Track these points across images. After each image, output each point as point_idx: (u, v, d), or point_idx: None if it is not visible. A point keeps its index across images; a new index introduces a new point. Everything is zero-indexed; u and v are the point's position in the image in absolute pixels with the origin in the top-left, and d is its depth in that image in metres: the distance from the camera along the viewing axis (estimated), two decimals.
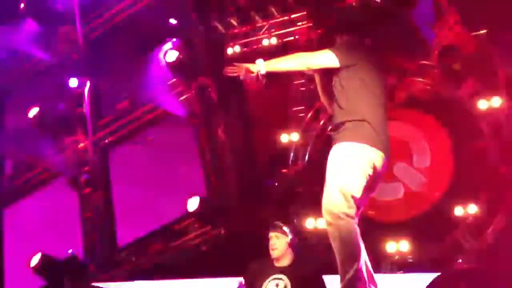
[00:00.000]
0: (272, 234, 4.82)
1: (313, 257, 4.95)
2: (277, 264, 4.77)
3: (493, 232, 6.47)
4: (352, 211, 3.61)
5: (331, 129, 3.83)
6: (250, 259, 4.94)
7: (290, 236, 4.80)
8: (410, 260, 6.63)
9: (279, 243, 4.75)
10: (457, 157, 6.79)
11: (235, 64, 3.86)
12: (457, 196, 6.69)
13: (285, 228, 4.82)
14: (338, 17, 3.70)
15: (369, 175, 3.68)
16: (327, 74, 3.93)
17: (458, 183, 6.73)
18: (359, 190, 3.64)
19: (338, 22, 3.71)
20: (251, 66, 3.81)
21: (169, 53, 8.84)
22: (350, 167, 3.61)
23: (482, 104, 6.74)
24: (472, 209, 6.56)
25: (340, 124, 3.73)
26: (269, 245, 4.79)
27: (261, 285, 4.68)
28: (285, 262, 4.76)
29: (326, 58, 3.77)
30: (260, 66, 3.82)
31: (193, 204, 7.84)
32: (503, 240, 6.41)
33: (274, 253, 4.77)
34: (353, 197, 3.61)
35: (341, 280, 3.61)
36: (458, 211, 6.64)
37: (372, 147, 3.68)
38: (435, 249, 6.71)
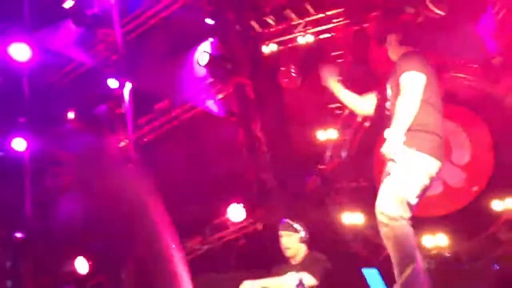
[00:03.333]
0: (282, 233, 4.86)
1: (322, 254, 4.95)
2: (293, 262, 4.86)
3: None
4: (407, 214, 3.76)
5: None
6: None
7: (302, 233, 4.82)
8: (448, 255, 6.64)
9: (291, 242, 4.82)
10: (497, 152, 6.76)
11: None
12: (496, 191, 6.68)
13: (295, 225, 4.86)
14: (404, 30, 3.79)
15: (426, 185, 3.85)
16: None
17: (498, 178, 6.71)
18: (415, 198, 3.81)
19: (405, 35, 3.81)
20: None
21: (206, 52, 9.00)
22: (412, 178, 3.79)
23: None
24: (511, 203, 6.55)
25: (409, 131, 3.81)
26: (281, 245, 4.83)
27: None
28: (298, 258, 4.86)
29: (421, 83, 3.82)
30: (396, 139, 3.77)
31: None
32: None
33: (287, 252, 4.83)
34: (408, 203, 3.76)
35: (398, 280, 3.72)
36: (496, 205, 6.64)
37: (435, 159, 3.82)
38: (472, 243, 6.72)
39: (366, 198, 7.41)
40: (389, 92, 4.15)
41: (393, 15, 3.97)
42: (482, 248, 6.63)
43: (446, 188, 6.78)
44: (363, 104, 4.42)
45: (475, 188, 6.85)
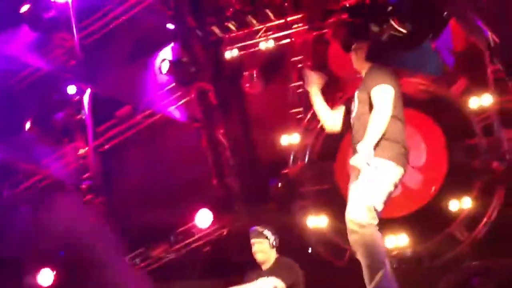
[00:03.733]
0: (253, 241, 5.00)
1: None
2: (264, 267, 4.98)
3: (486, 224, 6.76)
4: (375, 220, 3.95)
5: (354, 143, 4.10)
6: (252, 259, 5.13)
7: (271, 238, 4.97)
8: (409, 254, 6.89)
9: (262, 248, 4.96)
10: (451, 153, 7.04)
11: None
12: (452, 191, 6.96)
13: (265, 232, 5.00)
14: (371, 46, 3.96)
15: (390, 192, 4.06)
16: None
17: (453, 179, 6.98)
18: (382, 205, 4.00)
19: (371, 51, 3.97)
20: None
21: (167, 58, 9.06)
22: (379, 186, 3.97)
23: (473, 102, 7.01)
24: (467, 203, 6.84)
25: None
26: (252, 252, 4.98)
27: None
28: (269, 263, 4.97)
29: (391, 96, 4.03)
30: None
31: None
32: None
33: (258, 258, 4.96)
34: (375, 209, 3.95)
35: (368, 284, 3.90)
36: (453, 205, 6.92)
37: (399, 167, 4.02)
38: (432, 243, 6.98)
39: (329, 201, 7.64)
40: (356, 102, 4.30)
41: (358, 32, 4.15)
42: (441, 247, 6.89)
43: (405, 189, 6.98)
44: (333, 120, 4.60)
45: (432, 189, 7.10)
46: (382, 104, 3.98)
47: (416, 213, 6.96)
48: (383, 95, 4.00)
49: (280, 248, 5.26)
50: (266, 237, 4.96)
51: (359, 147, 3.93)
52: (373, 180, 3.99)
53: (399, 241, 6.95)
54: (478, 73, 7.00)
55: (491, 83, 6.93)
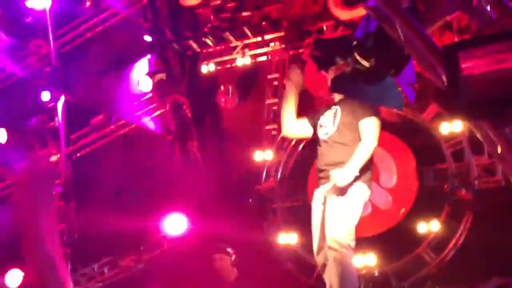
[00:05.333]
0: (216, 256, 5.07)
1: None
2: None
3: (453, 247, 6.93)
4: (353, 244, 4.07)
5: (326, 164, 4.21)
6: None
7: (233, 257, 5.05)
8: (376, 274, 7.02)
9: (224, 265, 5.03)
10: (421, 177, 7.21)
11: None
12: (420, 214, 7.12)
13: (228, 250, 5.08)
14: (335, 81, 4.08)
15: (361, 212, 4.17)
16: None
17: (422, 202, 7.15)
18: (356, 226, 4.12)
19: (335, 82, 4.09)
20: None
21: (144, 69, 9.11)
22: (357, 207, 4.10)
23: (444, 128, 7.20)
24: (435, 226, 7.01)
25: (343, 163, 4.17)
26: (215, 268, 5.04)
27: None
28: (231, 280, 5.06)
29: (379, 128, 4.30)
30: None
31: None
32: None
33: (221, 274, 5.01)
34: (354, 231, 4.09)
35: None
36: (421, 227, 7.08)
37: (368, 188, 4.17)
38: (399, 264, 7.13)
39: (301, 219, 7.74)
40: (329, 121, 4.39)
41: (323, 64, 4.30)
42: (409, 268, 7.04)
43: (375, 209, 7.15)
44: (292, 126, 4.68)
45: (401, 210, 7.26)
46: (373, 137, 4.16)
47: (385, 234, 7.11)
48: (375, 129, 4.19)
49: (249, 263, 5.34)
50: (229, 254, 5.04)
51: (347, 169, 4.05)
52: (353, 201, 4.12)
53: (367, 260, 7.08)
54: None
55: None
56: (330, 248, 4.10)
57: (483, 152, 6.98)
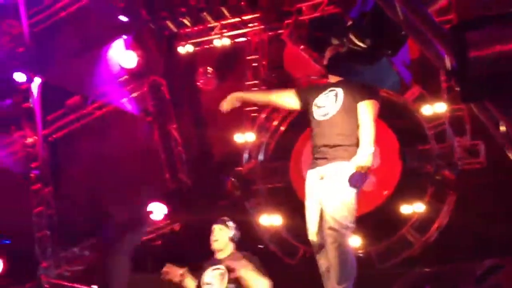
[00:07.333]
0: (215, 227, 4.95)
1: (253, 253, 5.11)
2: (217, 256, 4.87)
3: (437, 228, 6.96)
4: (353, 225, 4.02)
5: (325, 145, 4.17)
6: (204, 255, 5.11)
7: (233, 231, 4.95)
8: (361, 255, 7.01)
9: (221, 235, 4.88)
10: (404, 158, 7.20)
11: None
12: (404, 195, 7.12)
13: (229, 223, 4.98)
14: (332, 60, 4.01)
15: None
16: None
17: (405, 184, 7.15)
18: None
19: (331, 63, 4.03)
20: None
21: (121, 50, 8.94)
22: (357, 191, 4.03)
23: (427, 110, 7.18)
24: (418, 207, 7.02)
25: (345, 145, 4.14)
26: (210, 238, 4.94)
27: (202, 275, 4.79)
28: (225, 254, 4.86)
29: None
30: None
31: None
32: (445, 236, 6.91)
33: (215, 245, 4.86)
34: (354, 213, 4.04)
35: (336, 283, 3.95)
36: (405, 209, 7.09)
37: None
38: (383, 245, 7.14)
39: (283, 200, 7.71)
40: (329, 101, 4.30)
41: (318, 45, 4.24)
42: (393, 249, 7.06)
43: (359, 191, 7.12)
44: (279, 97, 4.64)
45: (385, 192, 7.25)
46: (373, 117, 4.15)
47: (368, 215, 7.07)
48: (375, 109, 4.18)
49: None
50: (228, 227, 4.92)
51: (365, 150, 4.02)
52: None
53: (351, 241, 7.05)
54: (432, 81, 7.17)
55: (444, 91, 7.12)
56: (330, 228, 4.02)
57: (465, 133, 7.00)
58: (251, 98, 5.05)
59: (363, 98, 4.19)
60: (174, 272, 4.86)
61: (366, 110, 4.17)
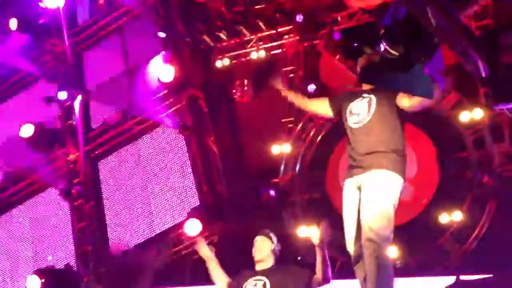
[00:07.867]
0: (258, 238, 4.97)
1: (295, 264, 5.12)
2: (258, 267, 4.86)
3: (477, 238, 6.86)
4: (392, 236, 3.97)
5: (360, 153, 4.14)
6: (242, 267, 5.14)
7: (275, 243, 4.97)
8: (399, 266, 6.95)
9: (263, 246, 4.88)
10: (442, 167, 7.14)
11: None
12: (442, 204, 7.05)
13: (272, 235, 5.00)
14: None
15: None
16: None
17: (443, 192, 7.08)
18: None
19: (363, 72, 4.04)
20: None
21: (159, 66, 9.08)
22: (395, 199, 4.00)
23: (464, 116, 7.12)
24: (457, 216, 6.94)
25: (381, 152, 4.09)
26: (252, 250, 4.93)
27: (241, 285, 4.78)
28: (266, 265, 4.85)
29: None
30: None
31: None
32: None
33: (256, 255, 4.86)
34: (392, 223, 4.00)
35: None
36: (444, 218, 7.01)
37: (403, 178, 4.11)
38: (422, 255, 7.07)
39: (320, 211, 7.70)
40: (363, 109, 4.28)
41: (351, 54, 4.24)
42: (431, 259, 6.98)
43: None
44: (313, 105, 4.68)
45: (423, 201, 7.20)
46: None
47: (406, 225, 7.02)
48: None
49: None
50: (271, 239, 4.95)
51: None
52: (393, 194, 4.05)
53: (388, 252, 7.01)
54: (469, 87, 7.11)
55: (482, 96, 7.05)
56: (368, 239, 3.97)
57: (504, 139, 6.90)
58: (290, 94, 4.85)
59: (397, 93, 4.14)
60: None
61: (405, 95, 4.07)
